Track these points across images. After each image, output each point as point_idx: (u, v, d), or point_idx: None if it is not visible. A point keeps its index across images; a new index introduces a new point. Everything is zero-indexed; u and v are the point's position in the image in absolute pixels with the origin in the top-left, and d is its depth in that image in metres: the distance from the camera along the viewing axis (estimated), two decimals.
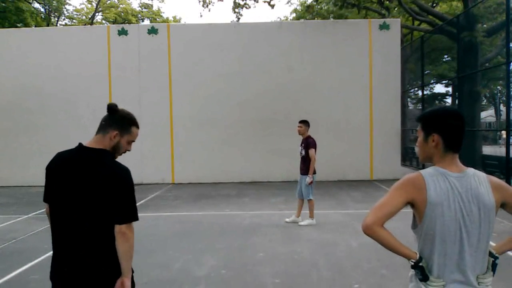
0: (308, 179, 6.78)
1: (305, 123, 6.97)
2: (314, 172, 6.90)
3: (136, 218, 2.04)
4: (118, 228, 1.97)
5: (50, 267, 2.08)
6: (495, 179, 1.73)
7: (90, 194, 1.97)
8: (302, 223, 6.86)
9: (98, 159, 2.04)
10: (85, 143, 2.12)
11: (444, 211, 1.64)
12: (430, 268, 1.68)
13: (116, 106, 2.14)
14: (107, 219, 1.98)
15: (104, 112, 2.18)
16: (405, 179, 1.73)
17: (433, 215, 1.64)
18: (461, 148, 1.74)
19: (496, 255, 1.73)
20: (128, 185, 2.03)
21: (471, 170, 1.72)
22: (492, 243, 1.76)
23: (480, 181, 1.69)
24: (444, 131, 1.72)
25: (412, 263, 1.69)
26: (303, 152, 6.89)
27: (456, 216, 1.64)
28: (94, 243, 1.98)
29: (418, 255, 1.69)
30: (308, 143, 6.82)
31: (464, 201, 1.65)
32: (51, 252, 2.08)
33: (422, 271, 1.67)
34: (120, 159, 2.14)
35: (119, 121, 2.14)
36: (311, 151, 6.76)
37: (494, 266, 1.72)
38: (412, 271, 1.74)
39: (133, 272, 2.11)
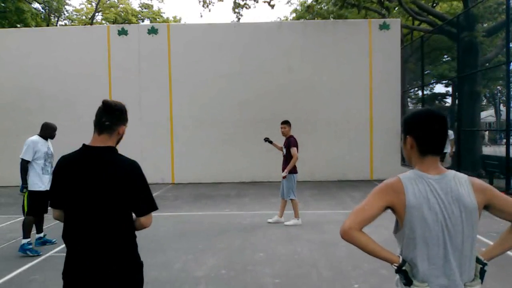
0: (283, 173, 6.81)
1: (287, 123, 7.03)
2: (296, 172, 6.91)
3: (156, 207, 2.13)
4: (138, 221, 2.08)
5: (65, 268, 2.08)
6: (477, 180, 1.70)
7: (108, 192, 1.99)
8: (287, 223, 6.84)
9: (108, 157, 2.07)
10: (89, 143, 2.13)
11: (425, 214, 1.61)
12: (414, 273, 1.65)
13: (111, 103, 2.16)
14: (127, 214, 2.05)
15: None
16: (383, 183, 1.70)
17: (413, 218, 1.62)
18: (441, 151, 1.71)
19: (485, 261, 1.69)
20: (143, 177, 2.09)
21: (451, 172, 1.69)
22: (482, 248, 1.75)
23: (461, 182, 1.66)
24: (417, 134, 1.70)
25: (395, 267, 1.66)
26: (285, 152, 6.91)
27: (437, 218, 1.61)
28: (116, 239, 2.02)
29: (401, 259, 1.66)
30: (290, 142, 6.86)
31: (445, 203, 1.62)
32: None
33: (405, 275, 1.64)
34: None
35: (121, 115, 2.18)
36: (293, 150, 6.79)
37: (482, 273, 1.67)
38: (397, 276, 1.72)
39: (142, 266, 2.16)
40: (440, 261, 1.62)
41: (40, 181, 5.49)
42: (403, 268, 1.65)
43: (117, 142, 2.19)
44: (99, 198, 2.00)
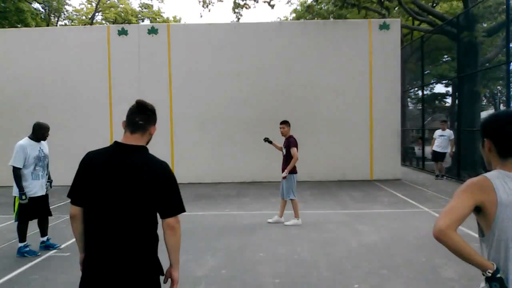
0: (283, 173, 6.80)
1: (287, 123, 7.01)
2: (295, 172, 6.91)
3: (184, 210, 2.13)
4: (166, 222, 2.05)
5: (86, 270, 2.04)
6: None
7: (138, 191, 1.98)
8: (287, 223, 6.83)
9: (141, 156, 2.08)
10: (121, 140, 2.13)
11: None
12: (507, 280, 1.52)
13: (145, 103, 2.19)
14: (154, 216, 2.05)
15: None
16: (470, 181, 1.62)
17: (506, 217, 1.53)
18: None
19: None
20: (173, 177, 2.11)
21: None
22: None
23: None
24: (494, 137, 1.66)
25: (489, 275, 1.52)
26: (285, 152, 6.91)
27: None
28: (140, 241, 2.01)
29: (495, 266, 1.53)
30: (290, 142, 6.84)
31: None
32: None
33: (501, 284, 1.50)
34: None
35: (153, 115, 2.23)
36: (293, 150, 6.77)
37: None
38: (483, 284, 1.59)
39: (161, 274, 2.14)
40: None
41: (29, 188, 5.26)
42: (498, 275, 1.51)
43: (147, 142, 2.21)
44: (125, 196, 1.97)
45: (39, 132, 5.43)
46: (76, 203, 2.08)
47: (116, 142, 2.11)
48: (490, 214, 1.56)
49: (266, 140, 7.33)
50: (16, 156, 5.24)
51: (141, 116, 2.15)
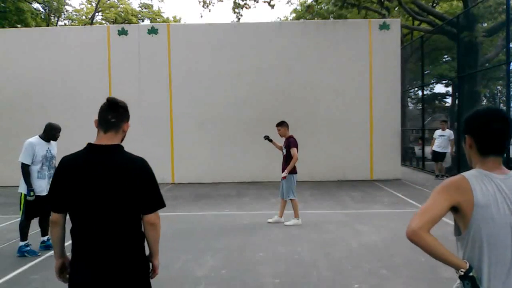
0: (283, 173, 6.79)
1: (283, 124, 6.99)
2: (295, 172, 6.90)
3: (164, 205, 2.13)
4: (147, 218, 2.04)
5: (72, 270, 2.03)
6: None
7: (118, 191, 1.97)
8: (287, 223, 6.83)
9: (117, 155, 2.05)
10: (95, 141, 2.09)
11: (493, 213, 1.52)
12: (480, 279, 1.53)
13: (116, 100, 2.14)
14: (137, 215, 2.03)
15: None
16: (447, 181, 1.61)
17: (482, 218, 1.53)
18: (503, 151, 1.63)
19: None
20: (151, 173, 2.09)
21: None
22: None
23: None
24: (475, 133, 1.64)
25: (462, 273, 1.54)
26: (285, 152, 6.90)
27: (506, 219, 1.52)
28: (126, 241, 2.00)
29: (468, 265, 1.55)
30: (290, 142, 6.83)
31: None
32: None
33: (473, 282, 1.52)
34: None
35: (126, 112, 2.17)
36: (293, 150, 6.76)
37: None
38: (458, 283, 1.61)
39: (150, 269, 2.19)
40: (507, 265, 1.53)
41: (34, 186, 5.28)
42: (471, 274, 1.53)
43: (122, 140, 2.18)
44: (109, 198, 1.96)
45: (50, 133, 5.50)
46: (56, 210, 2.06)
47: (89, 144, 2.08)
48: (467, 215, 1.56)
49: (266, 138, 7.32)
50: (25, 153, 5.29)
51: (113, 114, 2.10)
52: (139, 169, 2.04)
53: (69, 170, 2.02)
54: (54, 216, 2.08)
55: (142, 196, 2.02)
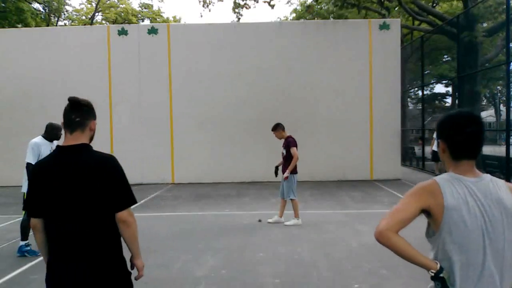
0: (285, 174, 6.80)
1: (277, 128, 6.98)
2: (296, 172, 6.90)
3: (135, 201, 2.07)
4: (118, 216, 2.00)
5: (48, 275, 2.01)
6: None
7: (86, 192, 1.95)
8: (287, 223, 6.83)
9: (82, 155, 2.02)
10: (63, 143, 2.08)
11: (464, 216, 1.53)
12: (452, 281, 1.53)
13: (78, 99, 2.12)
14: (109, 211, 1.99)
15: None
16: (418, 185, 1.64)
17: (451, 221, 1.53)
18: (476, 155, 1.63)
19: None
20: (120, 170, 2.04)
21: (487, 176, 1.62)
22: None
23: (499, 186, 1.59)
24: (447, 138, 1.64)
25: (432, 274, 1.55)
26: (285, 152, 6.90)
27: (477, 221, 1.52)
28: (101, 242, 1.98)
29: (438, 265, 1.56)
30: (289, 142, 6.83)
31: (485, 206, 1.54)
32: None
33: (443, 283, 1.53)
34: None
35: (90, 110, 2.14)
36: (293, 150, 6.76)
37: None
38: (431, 284, 1.61)
39: (131, 273, 2.12)
40: (478, 268, 1.53)
41: None
42: (441, 275, 1.54)
43: (91, 139, 2.15)
44: (79, 198, 1.94)
45: (52, 133, 5.52)
46: (33, 215, 2.06)
47: (58, 146, 2.09)
48: (438, 218, 1.57)
49: (276, 171, 7.20)
50: (31, 153, 5.31)
51: (77, 113, 2.09)
52: (107, 167, 2.00)
53: (40, 175, 2.02)
54: (33, 222, 2.07)
55: (112, 194, 1.98)
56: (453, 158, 1.64)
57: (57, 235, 1.99)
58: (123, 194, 2.02)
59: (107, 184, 1.97)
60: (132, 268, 2.16)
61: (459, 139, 1.61)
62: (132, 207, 2.09)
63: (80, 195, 1.95)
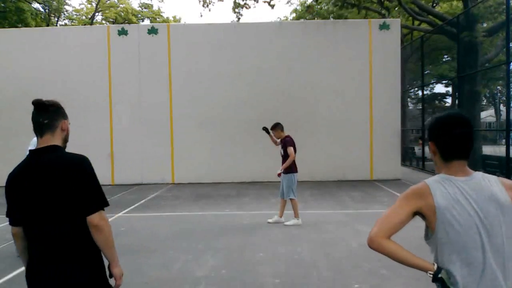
0: (279, 171, 6.84)
1: (275, 128, 7.01)
2: (296, 171, 6.91)
3: (106, 204, 1.97)
4: (89, 220, 1.90)
5: (30, 274, 1.98)
6: (507, 180, 1.63)
7: (56, 195, 1.88)
8: (287, 223, 6.84)
9: (50, 157, 1.95)
10: (34, 148, 2.03)
11: (457, 216, 1.52)
12: (452, 281, 1.52)
13: (43, 100, 2.03)
14: (80, 214, 1.90)
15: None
16: (408, 189, 1.64)
17: (445, 221, 1.53)
18: (467, 156, 1.64)
19: None
20: (88, 172, 1.94)
21: (479, 173, 1.63)
22: None
23: (491, 181, 1.59)
24: (437, 140, 1.65)
25: (431, 276, 1.55)
26: (283, 152, 6.94)
27: (472, 219, 1.52)
28: (74, 242, 1.92)
29: (435, 266, 1.56)
30: (286, 142, 6.87)
31: (479, 203, 1.53)
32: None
33: (442, 284, 1.52)
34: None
35: (58, 110, 2.06)
36: (290, 149, 6.80)
37: None
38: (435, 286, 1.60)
39: (110, 277, 2.06)
40: (479, 266, 1.51)
41: None
42: (440, 275, 1.53)
43: (65, 140, 2.08)
44: (51, 202, 1.88)
45: None
46: (13, 223, 2.01)
47: (30, 151, 2.01)
48: (431, 219, 1.57)
49: (265, 129, 7.28)
50: None
51: (44, 115, 1.99)
52: (75, 168, 1.91)
53: (13, 182, 1.97)
54: (13, 230, 2.03)
55: (80, 196, 1.89)
56: (444, 160, 1.65)
57: (35, 238, 1.94)
58: (92, 196, 1.91)
59: (75, 186, 1.88)
60: (110, 276, 2.05)
61: (448, 141, 1.62)
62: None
63: (51, 198, 1.88)
